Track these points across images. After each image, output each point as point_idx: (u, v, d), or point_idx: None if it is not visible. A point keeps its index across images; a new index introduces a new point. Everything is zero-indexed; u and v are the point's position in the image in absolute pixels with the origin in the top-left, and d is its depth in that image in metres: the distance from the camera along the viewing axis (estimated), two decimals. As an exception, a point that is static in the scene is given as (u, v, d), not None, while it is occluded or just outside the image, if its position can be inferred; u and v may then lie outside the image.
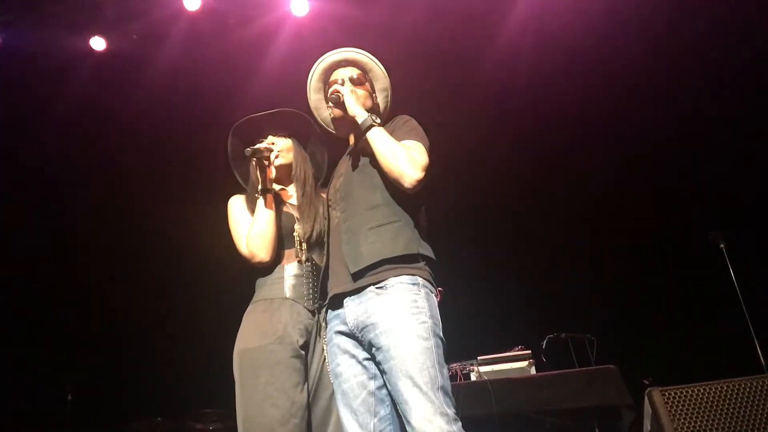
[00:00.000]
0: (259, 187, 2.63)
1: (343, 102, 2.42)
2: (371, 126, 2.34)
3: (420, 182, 2.25)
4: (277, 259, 2.62)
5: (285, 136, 2.79)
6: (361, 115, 2.38)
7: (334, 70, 2.63)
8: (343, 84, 2.55)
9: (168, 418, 5.58)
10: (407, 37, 5.32)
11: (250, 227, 2.61)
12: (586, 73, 5.61)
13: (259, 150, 2.59)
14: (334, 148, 2.87)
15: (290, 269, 2.61)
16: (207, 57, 5.48)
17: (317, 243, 2.65)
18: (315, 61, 2.66)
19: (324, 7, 5.25)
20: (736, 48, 5.33)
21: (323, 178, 2.87)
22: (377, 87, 2.68)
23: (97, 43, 5.36)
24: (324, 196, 2.71)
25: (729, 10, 5.13)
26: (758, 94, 5.43)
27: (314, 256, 2.64)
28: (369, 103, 2.57)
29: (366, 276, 2.23)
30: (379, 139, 2.31)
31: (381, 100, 2.70)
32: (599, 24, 5.32)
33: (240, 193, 2.82)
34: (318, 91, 2.69)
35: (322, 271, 2.49)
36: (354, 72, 2.61)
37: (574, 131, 5.96)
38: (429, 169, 2.29)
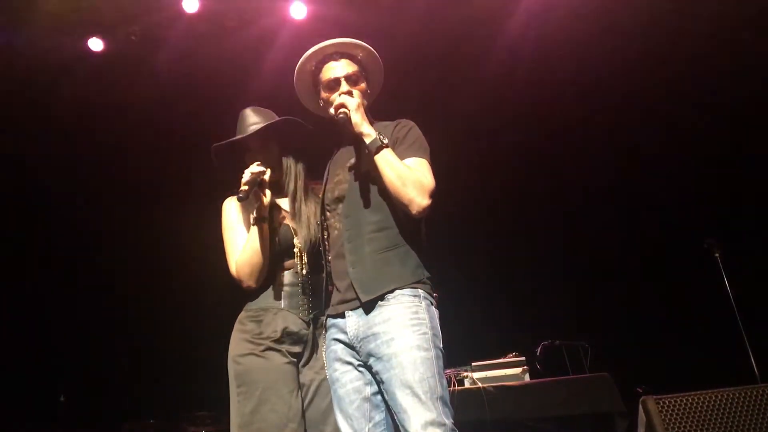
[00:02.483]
0: (254, 215, 2.59)
1: (350, 119, 2.32)
2: (381, 148, 2.27)
3: (426, 209, 2.23)
4: (274, 267, 2.61)
5: (272, 145, 2.72)
6: (369, 135, 2.29)
7: (325, 63, 2.52)
8: (350, 94, 2.42)
9: (161, 420, 5.56)
10: (405, 41, 5.31)
11: (241, 252, 2.59)
12: (585, 80, 5.62)
13: (251, 186, 2.50)
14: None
15: (287, 278, 2.60)
16: (205, 59, 5.47)
17: (314, 251, 2.63)
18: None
19: (323, 11, 5.25)
20: (736, 56, 5.35)
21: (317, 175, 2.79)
22: (370, 76, 2.59)
23: (95, 45, 5.34)
24: (317, 189, 2.67)
25: (724, 17, 5.14)
26: (756, 102, 5.45)
27: (311, 266, 2.63)
28: (366, 102, 2.48)
29: (374, 300, 2.23)
30: (387, 163, 2.25)
31: (374, 87, 2.62)
32: (599, 31, 5.33)
33: (234, 194, 2.76)
34: (308, 83, 2.59)
35: (324, 283, 2.49)
36: (349, 68, 2.49)
37: (570, 139, 5.98)
38: (436, 193, 2.26)
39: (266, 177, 2.59)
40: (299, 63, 2.56)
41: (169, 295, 6.42)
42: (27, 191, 6.09)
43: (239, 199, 2.50)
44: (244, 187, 2.48)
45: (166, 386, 6.13)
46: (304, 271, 2.61)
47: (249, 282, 2.57)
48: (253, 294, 2.61)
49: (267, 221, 2.60)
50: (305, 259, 2.62)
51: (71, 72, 5.39)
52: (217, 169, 2.79)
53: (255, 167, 2.55)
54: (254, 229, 2.58)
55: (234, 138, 2.70)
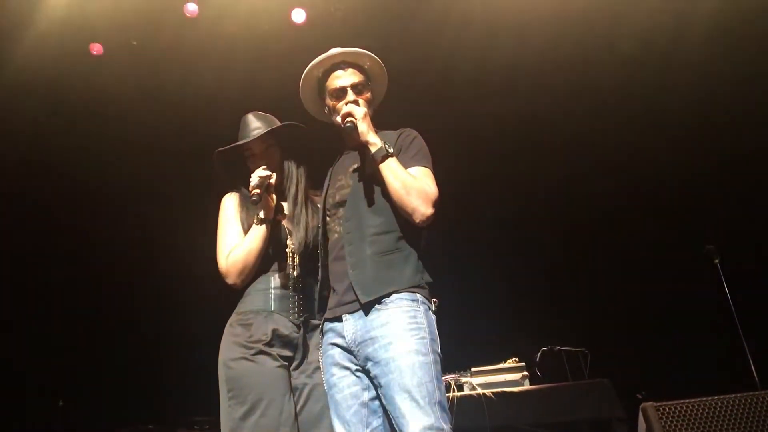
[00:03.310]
0: (259, 216, 2.61)
1: (357, 127, 2.37)
2: (386, 157, 2.31)
3: (430, 218, 2.28)
4: (265, 268, 2.61)
5: (274, 149, 2.76)
6: (375, 144, 2.34)
7: (332, 72, 2.57)
8: (356, 103, 2.47)
9: (159, 425, 5.54)
10: (406, 49, 5.31)
11: (236, 249, 2.60)
12: (586, 85, 5.62)
13: (261, 189, 2.56)
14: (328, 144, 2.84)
15: (277, 281, 2.59)
16: (206, 62, 5.47)
17: (308, 255, 2.64)
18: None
19: (324, 15, 5.25)
20: (737, 60, 5.35)
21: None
22: (375, 86, 2.64)
23: (96, 49, 5.34)
24: (316, 199, 2.72)
25: (717, 24, 5.15)
26: (757, 106, 5.46)
27: (303, 269, 2.64)
28: (371, 112, 2.52)
29: (373, 303, 2.24)
30: (392, 172, 2.30)
31: (378, 97, 2.68)
32: (600, 35, 5.33)
33: (235, 190, 2.80)
34: (313, 90, 2.64)
35: (319, 286, 2.49)
36: (356, 77, 2.54)
37: (571, 146, 5.97)
38: (439, 203, 2.30)
39: (272, 181, 2.63)
40: (306, 70, 2.60)
41: (168, 298, 6.41)
42: (26, 193, 6.08)
43: (253, 203, 2.54)
44: (255, 191, 2.52)
45: (164, 391, 6.12)
46: (295, 273, 2.61)
47: (236, 280, 2.58)
48: (244, 297, 2.62)
49: (270, 224, 2.62)
50: (297, 260, 2.62)
51: (72, 76, 5.38)
52: (219, 174, 2.81)
53: (262, 171, 2.59)
54: (256, 230, 2.59)
55: (237, 143, 2.73)
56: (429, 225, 2.31)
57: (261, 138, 2.70)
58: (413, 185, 2.27)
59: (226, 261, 2.60)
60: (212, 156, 2.74)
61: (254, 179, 2.55)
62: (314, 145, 2.85)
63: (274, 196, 2.67)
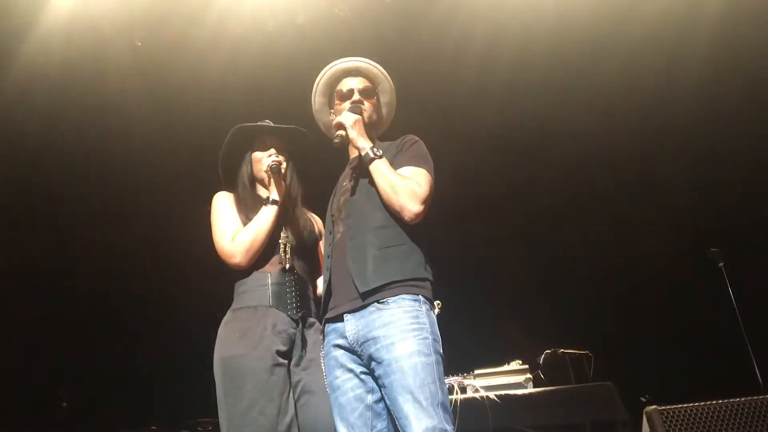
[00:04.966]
0: (272, 197, 2.66)
1: (347, 136, 2.46)
2: (373, 159, 2.39)
3: (419, 215, 2.32)
4: (259, 265, 2.62)
5: (283, 151, 2.82)
6: (363, 148, 2.43)
7: (343, 78, 2.68)
8: (361, 102, 2.58)
9: (162, 427, 5.54)
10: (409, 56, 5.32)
11: (244, 228, 2.62)
12: (587, 91, 5.61)
13: (279, 167, 2.68)
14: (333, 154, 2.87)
15: (273, 276, 2.60)
16: (210, 63, 5.48)
17: (302, 251, 2.68)
18: (317, 67, 2.71)
19: (328, 16, 5.25)
20: (740, 64, 5.34)
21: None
22: (383, 100, 2.73)
23: (99, 49, 5.34)
24: (311, 217, 2.84)
25: (724, 26, 5.13)
26: (763, 107, 5.44)
27: (297, 264, 2.65)
28: (375, 117, 2.63)
29: (372, 295, 2.25)
30: (379, 173, 2.37)
31: (385, 113, 2.76)
32: (604, 41, 5.33)
33: (229, 190, 2.83)
34: (323, 95, 2.75)
35: (324, 286, 2.49)
36: (363, 83, 2.66)
37: (575, 150, 5.96)
38: (429, 200, 2.35)
39: (283, 167, 2.73)
40: (323, 79, 2.71)
41: (171, 300, 6.41)
42: (31, 191, 6.09)
43: (272, 168, 2.65)
44: (276, 159, 2.67)
45: (168, 392, 6.11)
46: (288, 266, 2.61)
47: (242, 259, 2.58)
48: (240, 294, 2.62)
49: (278, 205, 2.66)
50: (289, 254, 2.63)
51: (77, 76, 5.39)
52: (223, 156, 2.85)
53: (276, 156, 2.72)
54: (266, 210, 2.65)
55: (260, 123, 2.83)
56: (420, 222, 2.34)
57: (280, 135, 2.80)
58: (400, 184, 2.33)
59: (231, 242, 2.60)
60: (230, 131, 2.79)
61: (269, 160, 2.69)
62: (314, 167, 2.96)
63: (283, 183, 2.73)
